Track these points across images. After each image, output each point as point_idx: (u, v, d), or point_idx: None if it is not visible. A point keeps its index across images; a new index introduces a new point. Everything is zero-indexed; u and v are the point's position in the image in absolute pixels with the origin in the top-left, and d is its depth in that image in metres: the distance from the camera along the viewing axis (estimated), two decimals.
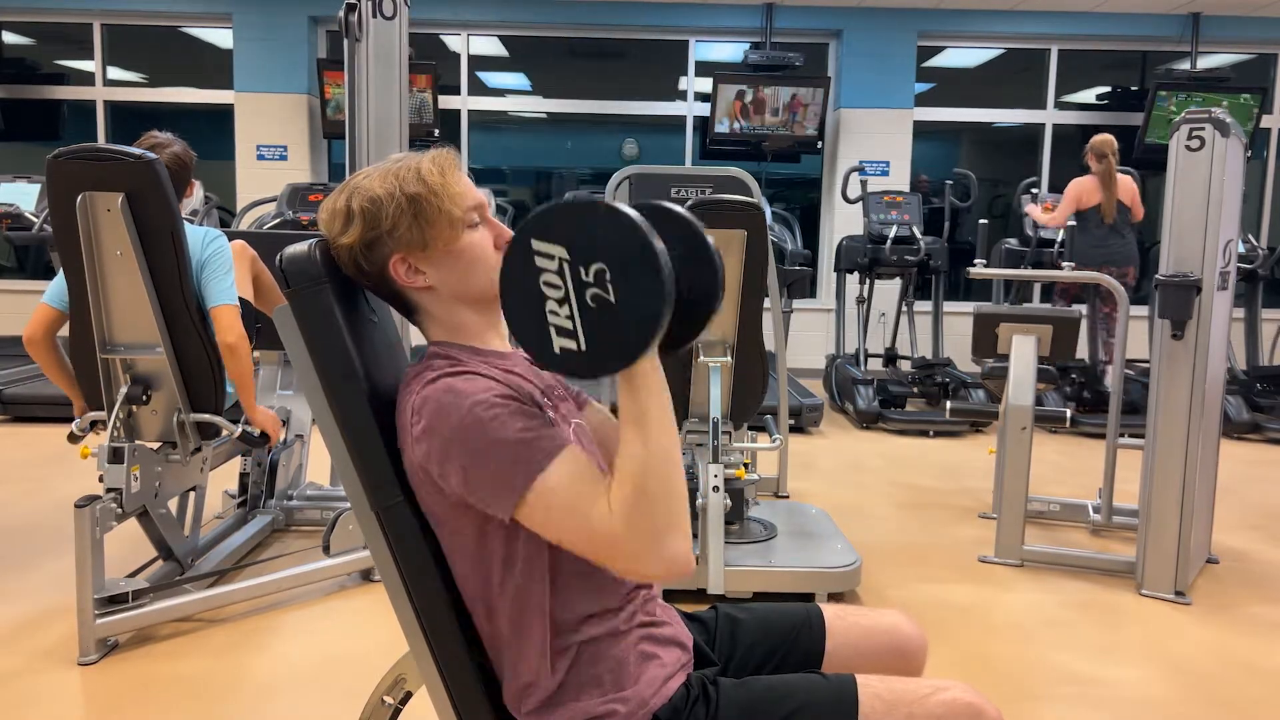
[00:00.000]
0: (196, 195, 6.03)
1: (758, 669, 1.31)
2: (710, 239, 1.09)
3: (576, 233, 0.97)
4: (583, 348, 0.98)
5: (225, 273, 2.62)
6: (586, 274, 0.97)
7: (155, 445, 2.66)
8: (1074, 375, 5.84)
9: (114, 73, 7.63)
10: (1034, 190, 6.23)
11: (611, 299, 0.96)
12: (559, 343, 0.98)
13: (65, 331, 2.64)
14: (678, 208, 1.11)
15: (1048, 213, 5.87)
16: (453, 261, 1.18)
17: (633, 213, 0.97)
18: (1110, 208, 5.60)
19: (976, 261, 3.89)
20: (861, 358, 6.38)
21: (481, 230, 1.20)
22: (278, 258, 1.15)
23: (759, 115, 7.14)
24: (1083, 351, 5.83)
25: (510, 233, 1.21)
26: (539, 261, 0.98)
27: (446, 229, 1.16)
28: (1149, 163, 6.85)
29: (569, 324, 0.98)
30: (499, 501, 1.05)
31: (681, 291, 1.00)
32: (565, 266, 0.97)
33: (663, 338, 0.99)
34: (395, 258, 1.17)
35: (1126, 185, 5.69)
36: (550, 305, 0.98)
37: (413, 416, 1.09)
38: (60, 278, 2.61)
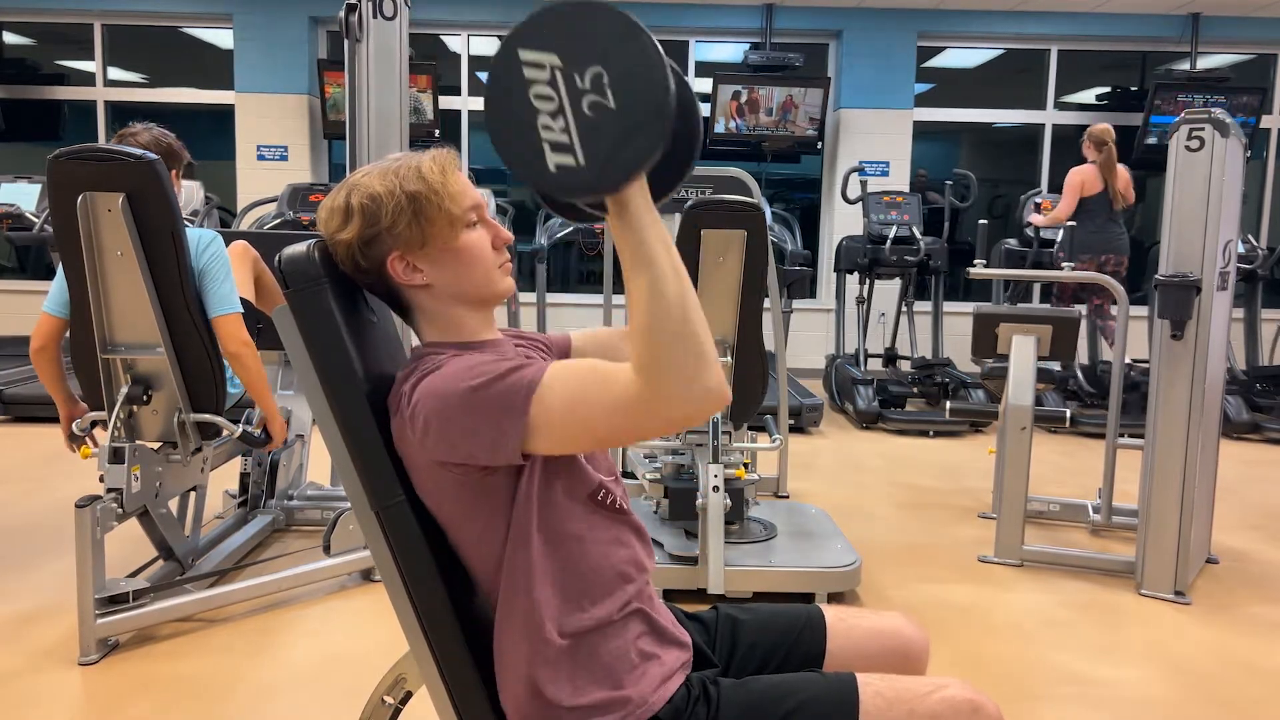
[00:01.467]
0: (197, 196, 6.06)
1: (758, 670, 1.31)
2: (685, 82, 0.99)
3: (569, 37, 0.89)
4: (581, 162, 0.90)
5: (224, 279, 2.61)
6: (583, 80, 0.88)
7: (156, 445, 2.66)
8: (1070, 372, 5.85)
9: (114, 73, 7.63)
10: (1037, 200, 6.24)
11: (611, 104, 0.88)
12: (554, 159, 0.90)
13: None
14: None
15: (1048, 211, 5.90)
16: (450, 260, 1.18)
17: (623, 11, 0.89)
18: (1116, 194, 5.63)
19: (976, 261, 3.89)
20: (861, 358, 6.38)
21: (479, 230, 1.21)
22: (276, 258, 1.16)
23: (753, 115, 7.14)
24: (1082, 352, 5.84)
25: (508, 234, 1.22)
26: (528, 73, 0.90)
27: (445, 227, 1.17)
28: (1148, 163, 6.86)
29: (564, 137, 0.90)
30: (506, 435, 1.04)
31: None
32: (558, 75, 0.89)
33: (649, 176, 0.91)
34: (393, 255, 1.18)
35: (1123, 176, 5.72)
36: (543, 120, 0.90)
37: (405, 407, 1.11)
38: (59, 283, 2.61)
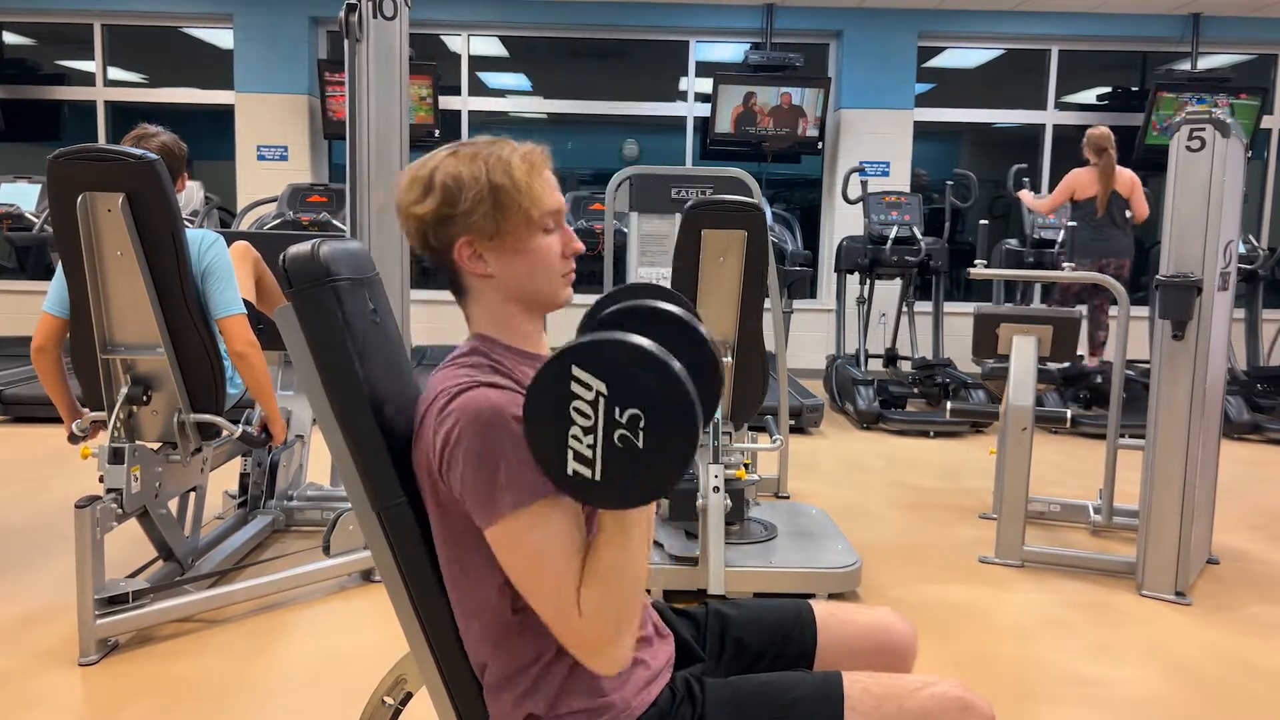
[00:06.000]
0: (196, 196, 6.06)
1: (750, 666, 1.31)
2: (722, 366, 1.09)
3: (621, 373, 0.96)
4: (596, 478, 0.98)
5: (228, 280, 2.62)
6: (621, 415, 0.96)
7: (155, 446, 2.66)
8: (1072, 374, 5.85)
9: (114, 73, 7.63)
10: (1025, 179, 6.22)
11: (640, 445, 0.96)
12: (574, 466, 0.98)
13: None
14: (695, 323, 1.09)
15: (1040, 199, 5.90)
16: (519, 259, 1.16)
17: (680, 371, 0.96)
18: (1104, 201, 5.62)
19: (977, 262, 3.88)
20: (862, 358, 6.38)
21: (554, 235, 1.18)
22: (280, 258, 1.15)
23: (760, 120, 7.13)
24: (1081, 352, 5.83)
25: (581, 245, 1.20)
26: (575, 388, 0.97)
27: (521, 226, 1.15)
28: (1149, 163, 6.86)
29: (589, 453, 0.97)
30: (482, 509, 1.06)
31: None
32: (601, 401, 0.97)
33: None
34: (463, 240, 1.15)
35: (1125, 179, 5.70)
36: (574, 430, 0.97)
37: (441, 409, 1.09)
38: (58, 282, 2.61)
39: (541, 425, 0.99)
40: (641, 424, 0.96)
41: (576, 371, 0.97)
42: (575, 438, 0.98)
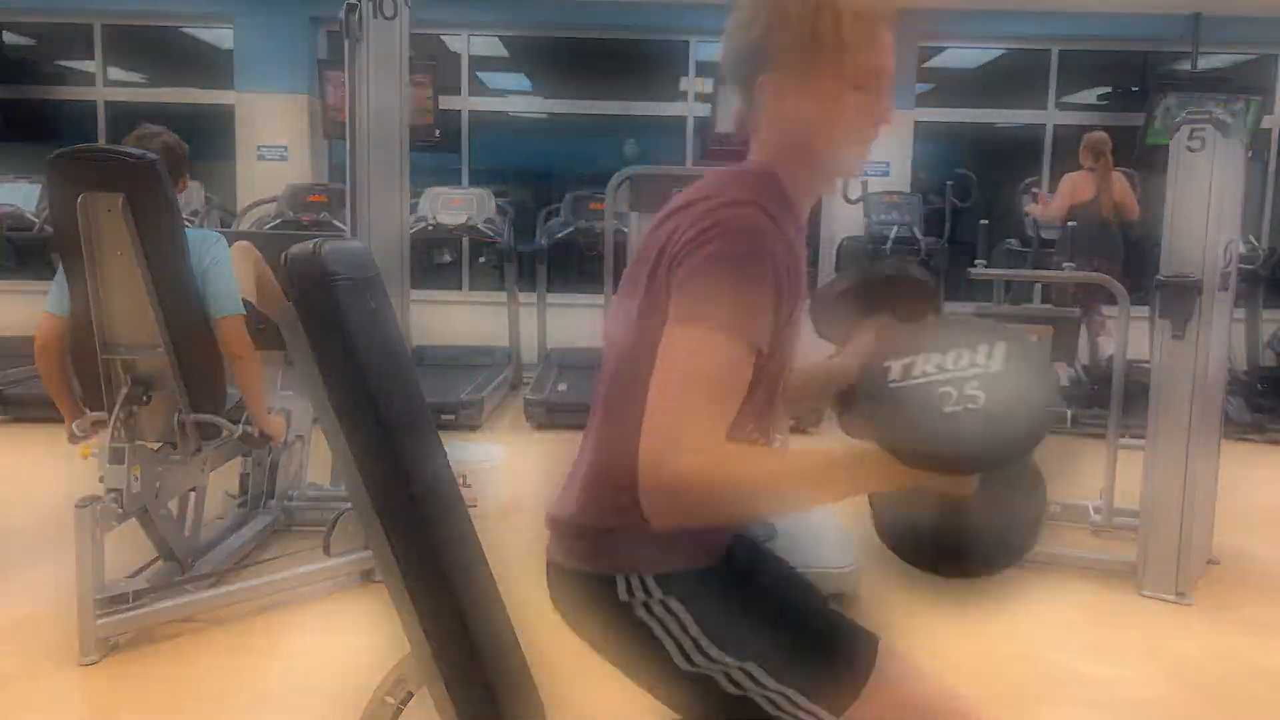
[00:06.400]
0: (197, 196, 6.05)
1: None
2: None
3: (1015, 366, 0.93)
4: (888, 391, 0.94)
5: (228, 281, 2.62)
6: (969, 386, 0.93)
7: (156, 446, 2.66)
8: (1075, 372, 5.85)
9: (114, 73, 7.62)
10: (1035, 190, 6.23)
11: (944, 410, 0.92)
12: (899, 369, 0.95)
13: None
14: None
15: (1044, 206, 5.92)
16: (817, 108, 1.11)
17: (1040, 420, 0.93)
18: (1109, 203, 5.63)
19: (977, 262, 3.88)
20: None
21: (864, 96, 1.12)
22: (282, 257, 1.15)
23: None
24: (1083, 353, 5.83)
25: (890, 118, 1.18)
26: (982, 342, 0.95)
27: (831, 77, 1.09)
28: (1149, 163, 6.85)
29: (916, 372, 0.95)
30: (684, 305, 1.02)
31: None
32: (980, 359, 0.94)
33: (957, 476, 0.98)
34: (770, 75, 1.11)
35: (1120, 182, 5.72)
36: (940, 358, 0.95)
37: (717, 206, 1.06)
38: (59, 283, 2.61)
39: (939, 334, 0.98)
40: (968, 402, 0.91)
41: (1002, 341, 0.95)
42: (929, 357, 0.95)
